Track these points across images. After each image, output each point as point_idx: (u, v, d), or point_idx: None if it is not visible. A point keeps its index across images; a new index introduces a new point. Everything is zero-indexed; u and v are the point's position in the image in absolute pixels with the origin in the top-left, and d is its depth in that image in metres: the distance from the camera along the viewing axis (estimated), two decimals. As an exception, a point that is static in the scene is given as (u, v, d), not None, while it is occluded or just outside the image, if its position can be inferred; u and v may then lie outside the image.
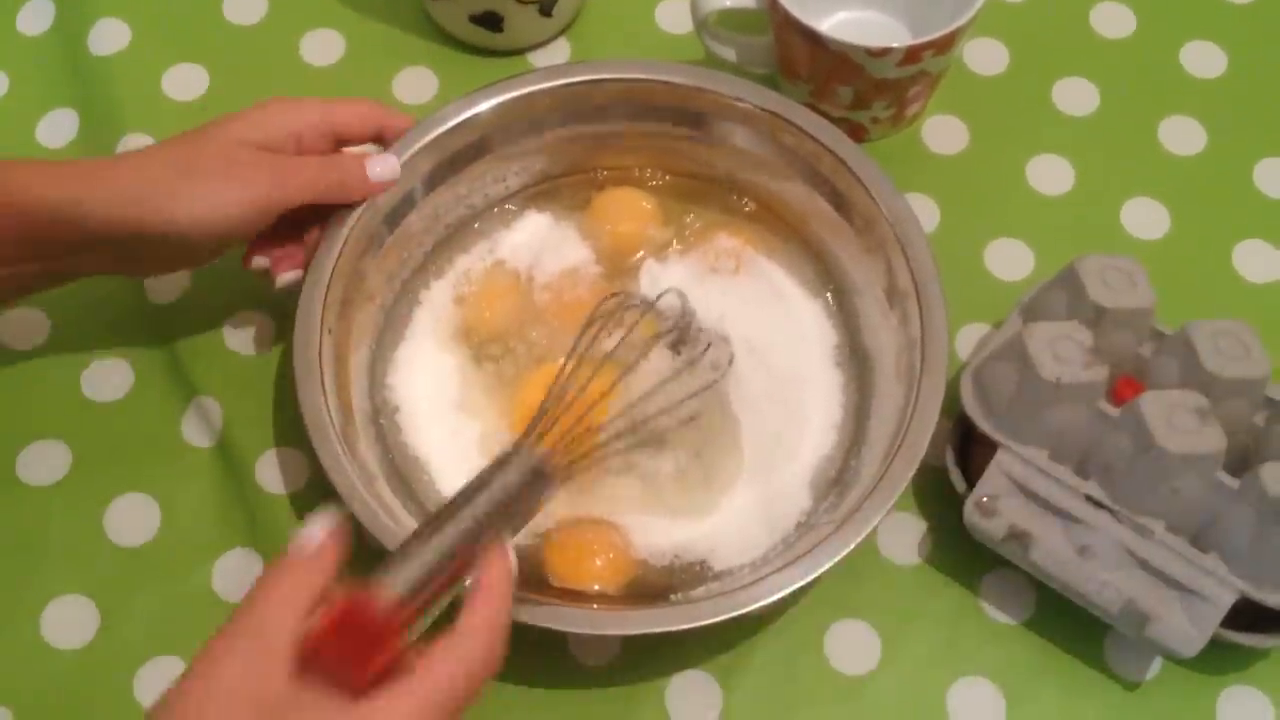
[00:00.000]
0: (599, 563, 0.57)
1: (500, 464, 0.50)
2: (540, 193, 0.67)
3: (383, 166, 0.60)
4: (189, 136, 0.57)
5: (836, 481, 0.59)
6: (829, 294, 0.64)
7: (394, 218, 0.63)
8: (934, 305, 0.58)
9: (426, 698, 0.43)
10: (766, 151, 0.64)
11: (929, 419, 0.56)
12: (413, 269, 0.65)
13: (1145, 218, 0.68)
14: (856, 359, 0.62)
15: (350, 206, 0.60)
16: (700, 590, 0.57)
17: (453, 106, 0.63)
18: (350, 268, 0.60)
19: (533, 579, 0.57)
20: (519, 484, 0.50)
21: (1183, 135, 0.71)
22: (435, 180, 0.64)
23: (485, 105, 0.63)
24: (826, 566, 0.53)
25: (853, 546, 0.53)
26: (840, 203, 0.63)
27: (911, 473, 0.55)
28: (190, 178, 0.55)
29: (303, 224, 0.60)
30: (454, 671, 0.44)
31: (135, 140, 0.70)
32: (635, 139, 0.66)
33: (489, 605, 0.46)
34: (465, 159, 0.64)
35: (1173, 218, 0.68)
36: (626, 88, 0.64)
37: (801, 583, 0.53)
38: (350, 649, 0.43)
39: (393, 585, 0.45)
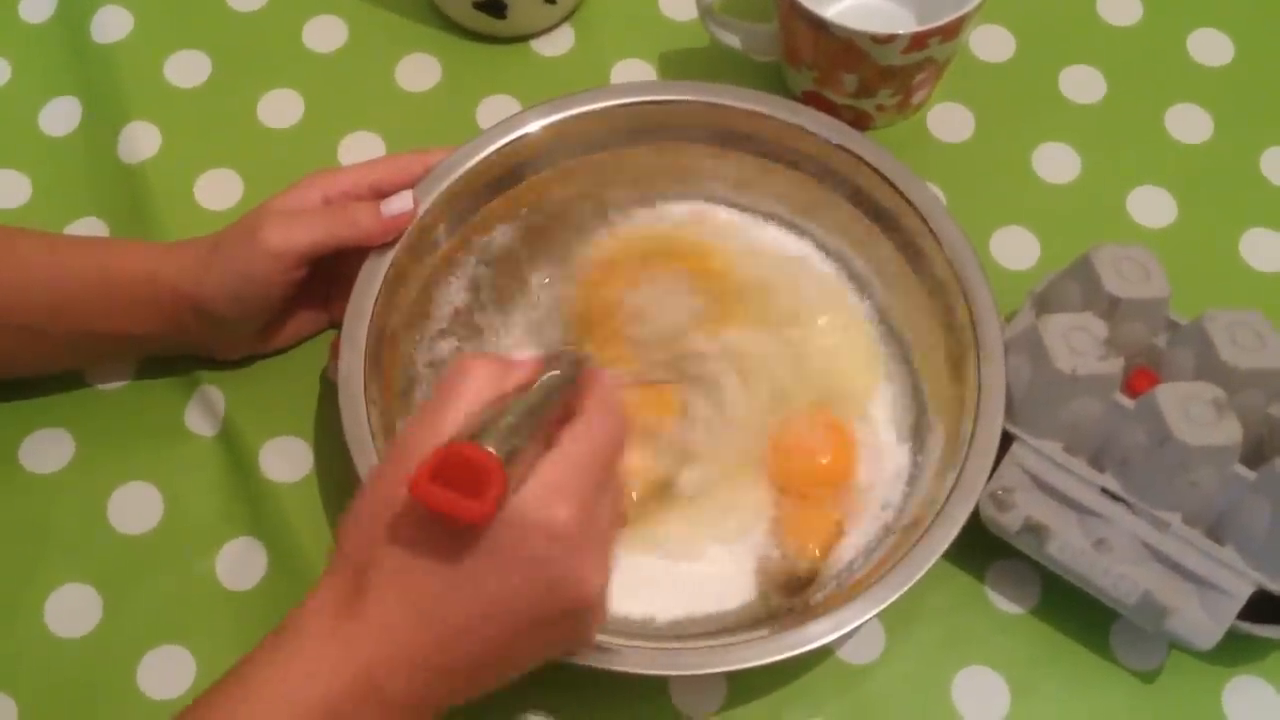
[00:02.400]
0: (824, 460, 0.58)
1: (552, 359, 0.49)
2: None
3: (396, 203, 0.59)
4: (243, 221, 0.59)
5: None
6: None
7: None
8: (978, 288, 0.58)
9: (570, 464, 0.43)
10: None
11: (997, 400, 0.55)
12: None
13: (1152, 206, 0.68)
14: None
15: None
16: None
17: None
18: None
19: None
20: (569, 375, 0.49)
21: (1190, 123, 0.70)
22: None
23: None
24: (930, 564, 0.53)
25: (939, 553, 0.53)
26: (861, 198, 0.63)
27: (994, 451, 0.54)
28: (216, 252, 0.58)
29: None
30: (588, 441, 0.44)
31: (138, 128, 0.70)
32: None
33: (601, 386, 0.47)
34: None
35: (1179, 206, 0.68)
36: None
37: (910, 583, 0.52)
38: (462, 482, 0.41)
39: (488, 435, 0.43)
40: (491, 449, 0.41)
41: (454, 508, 0.41)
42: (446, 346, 0.62)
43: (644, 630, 0.56)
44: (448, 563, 0.43)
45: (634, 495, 0.58)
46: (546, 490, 0.43)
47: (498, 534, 0.42)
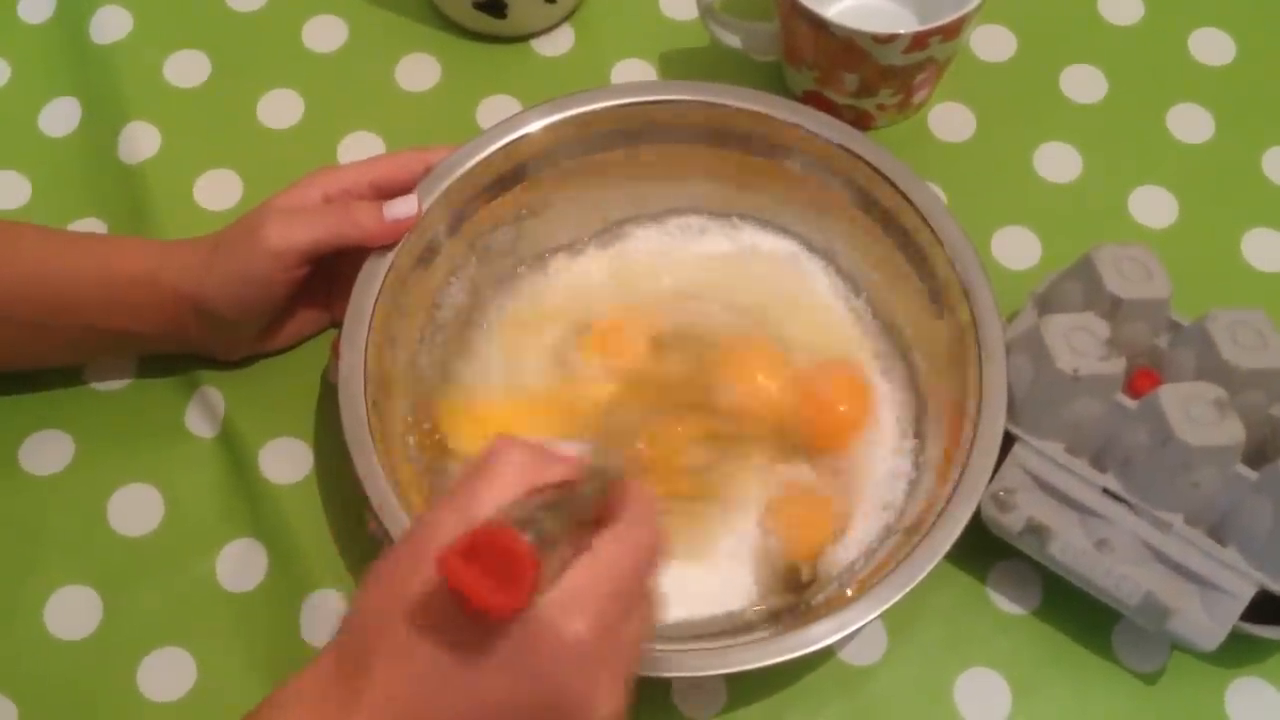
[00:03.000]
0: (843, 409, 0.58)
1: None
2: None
3: (400, 206, 0.58)
4: (243, 220, 0.59)
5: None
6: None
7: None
8: (979, 289, 0.58)
9: (599, 573, 0.41)
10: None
11: (999, 401, 0.55)
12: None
13: (1153, 206, 0.68)
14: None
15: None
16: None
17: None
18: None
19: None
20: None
21: (1191, 123, 0.70)
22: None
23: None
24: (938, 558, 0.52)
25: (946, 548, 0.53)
26: (863, 197, 0.62)
27: (995, 452, 0.54)
28: (217, 252, 0.58)
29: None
30: (621, 550, 0.42)
31: (138, 128, 0.69)
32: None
33: (640, 498, 0.43)
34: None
35: (1181, 206, 0.68)
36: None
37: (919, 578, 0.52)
38: (494, 569, 0.38)
39: (526, 525, 0.40)
40: (526, 538, 0.38)
41: (481, 594, 0.38)
42: (447, 347, 0.62)
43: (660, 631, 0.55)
44: (452, 656, 0.40)
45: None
46: (568, 598, 0.40)
47: (512, 642, 0.40)
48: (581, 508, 0.43)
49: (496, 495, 0.42)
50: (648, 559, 0.43)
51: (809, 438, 0.59)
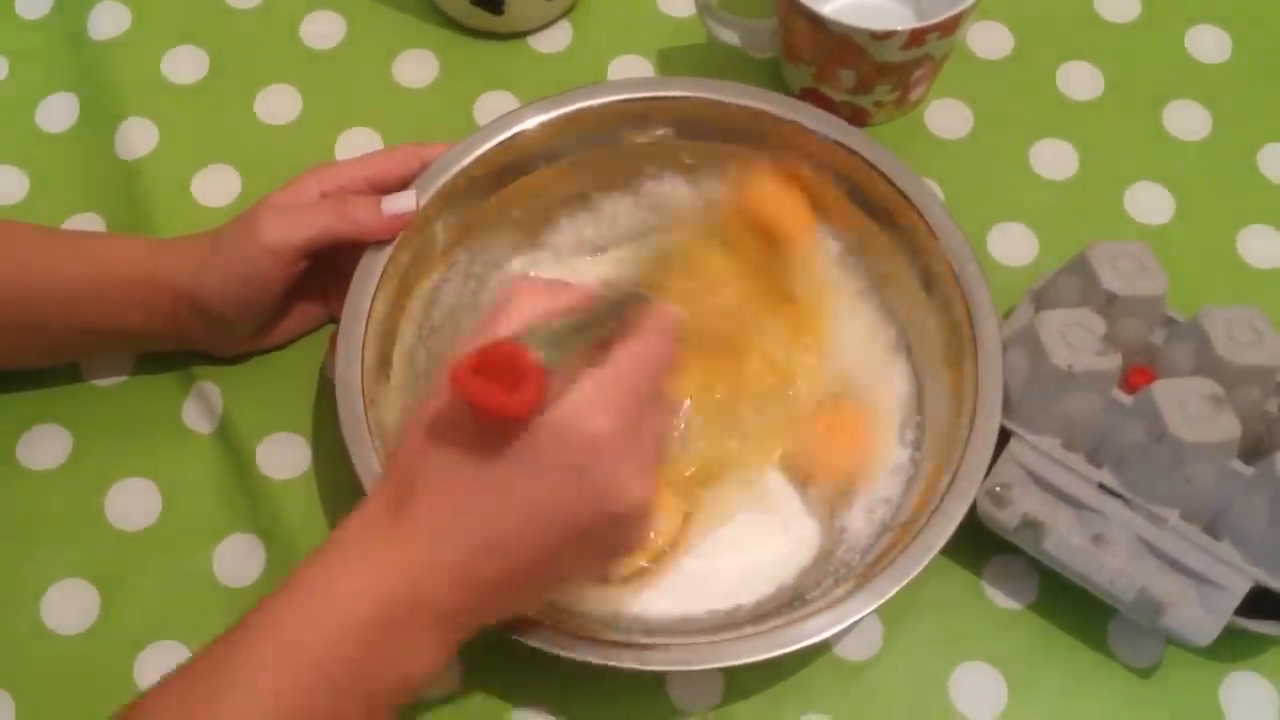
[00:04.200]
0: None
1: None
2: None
3: (399, 201, 0.59)
4: (240, 217, 0.59)
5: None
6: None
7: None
8: (976, 284, 0.58)
9: (617, 377, 0.44)
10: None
11: (994, 397, 0.55)
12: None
13: (1150, 203, 0.68)
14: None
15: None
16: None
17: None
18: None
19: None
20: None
21: (1187, 120, 0.70)
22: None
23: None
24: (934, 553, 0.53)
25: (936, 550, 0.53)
26: (859, 193, 0.62)
27: (991, 447, 0.54)
28: (213, 249, 0.57)
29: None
30: (637, 357, 0.45)
31: (135, 124, 0.69)
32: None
33: (660, 314, 0.47)
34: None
35: (1177, 203, 0.68)
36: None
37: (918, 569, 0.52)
38: (502, 379, 0.41)
39: (530, 336, 0.43)
40: (532, 348, 0.41)
41: (489, 399, 0.41)
42: (445, 342, 0.62)
43: (656, 625, 0.56)
44: (489, 467, 0.43)
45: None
46: (588, 398, 0.43)
47: (538, 440, 0.43)
48: (597, 324, 0.46)
49: (514, 325, 0.44)
50: (662, 362, 0.46)
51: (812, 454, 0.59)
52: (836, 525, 0.58)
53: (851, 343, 0.62)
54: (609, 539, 0.46)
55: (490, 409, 0.41)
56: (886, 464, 0.59)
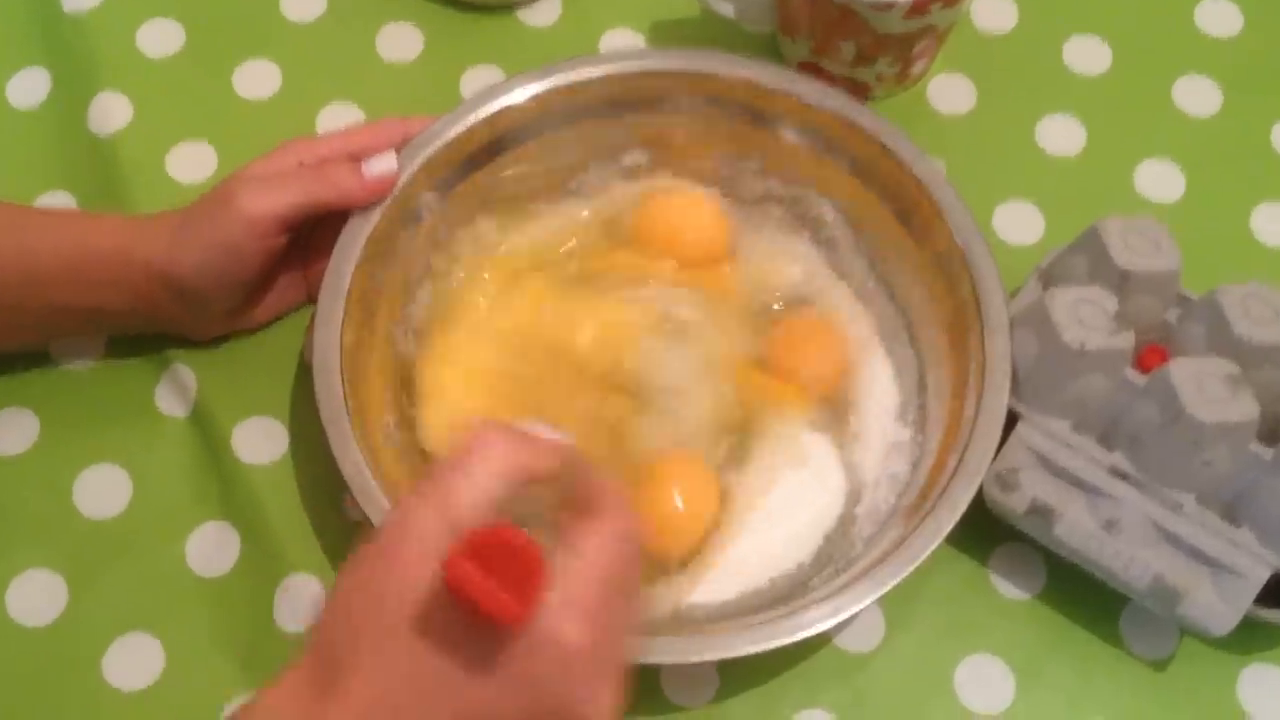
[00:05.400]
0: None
1: None
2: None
3: (380, 163, 0.57)
4: (216, 189, 0.57)
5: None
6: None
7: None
8: (982, 261, 0.56)
9: (590, 575, 0.39)
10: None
11: (1002, 377, 0.54)
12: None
13: (1160, 180, 0.67)
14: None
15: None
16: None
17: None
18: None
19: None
20: None
21: (1198, 95, 0.69)
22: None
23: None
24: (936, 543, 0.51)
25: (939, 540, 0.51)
26: (860, 168, 0.61)
27: (999, 430, 0.53)
28: (188, 222, 0.56)
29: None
30: (607, 547, 0.40)
31: (109, 99, 0.68)
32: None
33: (611, 485, 0.42)
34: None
35: (1188, 180, 0.67)
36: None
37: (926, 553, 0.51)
38: (501, 572, 0.36)
39: (531, 525, 0.40)
40: (533, 539, 0.37)
41: (492, 601, 0.36)
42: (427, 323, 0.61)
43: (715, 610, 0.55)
44: (436, 664, 0.38)
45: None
46: (563, 603, 0.39)
47: (506, 644, 0.38)
48: (565, 496, 0.42)
49: (477, 490, 0.40)
50: (633, 551, 0.42)
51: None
52: (855, 480, 0.58)
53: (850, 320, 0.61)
54: None
55: (492, 612, 0.36)
56: (873, 389, 0.59)
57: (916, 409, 0.58)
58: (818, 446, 0.58)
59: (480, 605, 0.36)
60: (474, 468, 0.40)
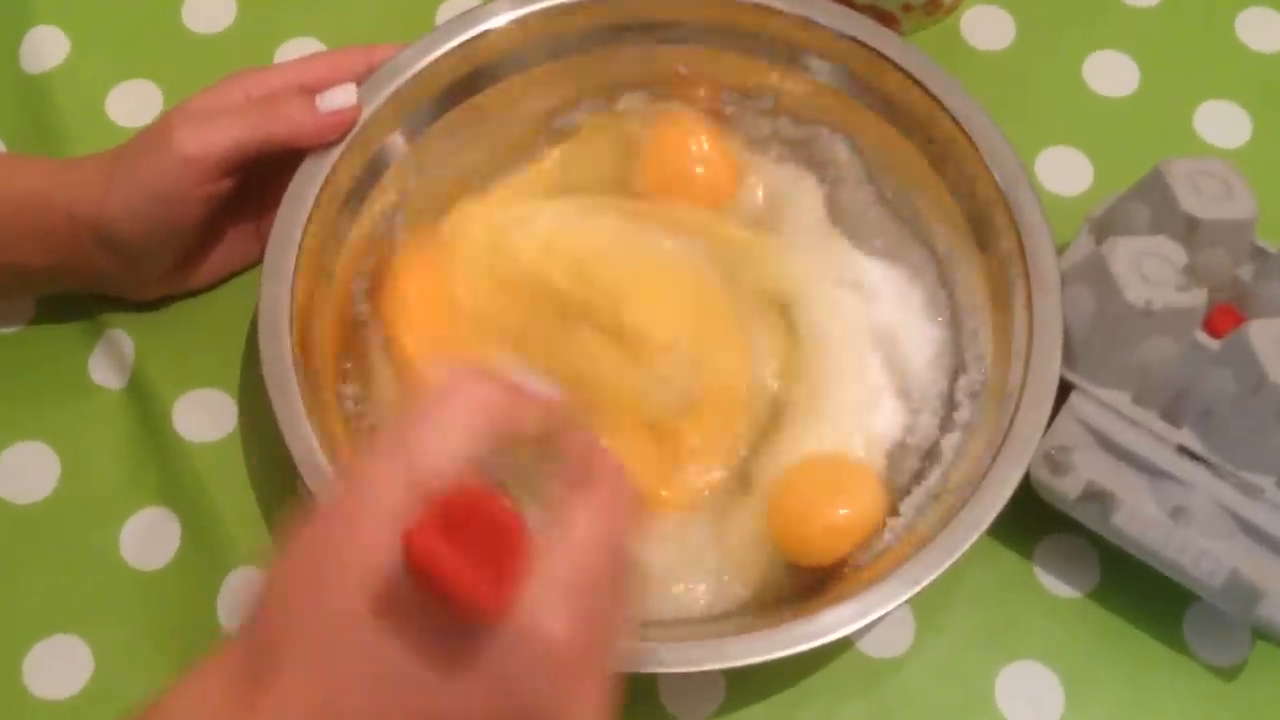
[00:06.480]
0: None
1: None
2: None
3: (337, 96, 0.54)
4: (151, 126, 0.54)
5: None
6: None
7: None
8: (1028, 207, 0.52)
9: (578, 557, 0.35)
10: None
11: (1053, 343, 0.50)
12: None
13: (1223, 122, 0.64)
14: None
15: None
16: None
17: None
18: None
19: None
20: None
21: (1264, 28, 0.66)
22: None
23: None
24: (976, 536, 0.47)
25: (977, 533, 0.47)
26: (885, 105, 0.57)
27: (1049, 403, 0.49)
28: (119, 164, 0.53)
29: None
30: (599, 524, 0.36)
31: (43, 34, 0.65)
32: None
33: (605, 451, 0.38)
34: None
35: (1255, 122, 0.63)
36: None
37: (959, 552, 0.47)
38: (474, 548, 0.32)
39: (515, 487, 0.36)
40: (515, 503, 0.33)
41: (462, 585, 0.31)
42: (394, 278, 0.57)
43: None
44: (396, 661, 0.34)
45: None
46: (545, 591, 0.34)
47: (477, 637, 0.34)
48: (553, 463, 0.38)
49: (449, 446, 0.35)
50: (627, 528, 0.38)
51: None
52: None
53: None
54: None
55: (464, 601, 0.32)
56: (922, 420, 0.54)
57: (951, 379, 0.54)
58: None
59: (448, 589, 0.32)
60: (446, 420, 0.36)
